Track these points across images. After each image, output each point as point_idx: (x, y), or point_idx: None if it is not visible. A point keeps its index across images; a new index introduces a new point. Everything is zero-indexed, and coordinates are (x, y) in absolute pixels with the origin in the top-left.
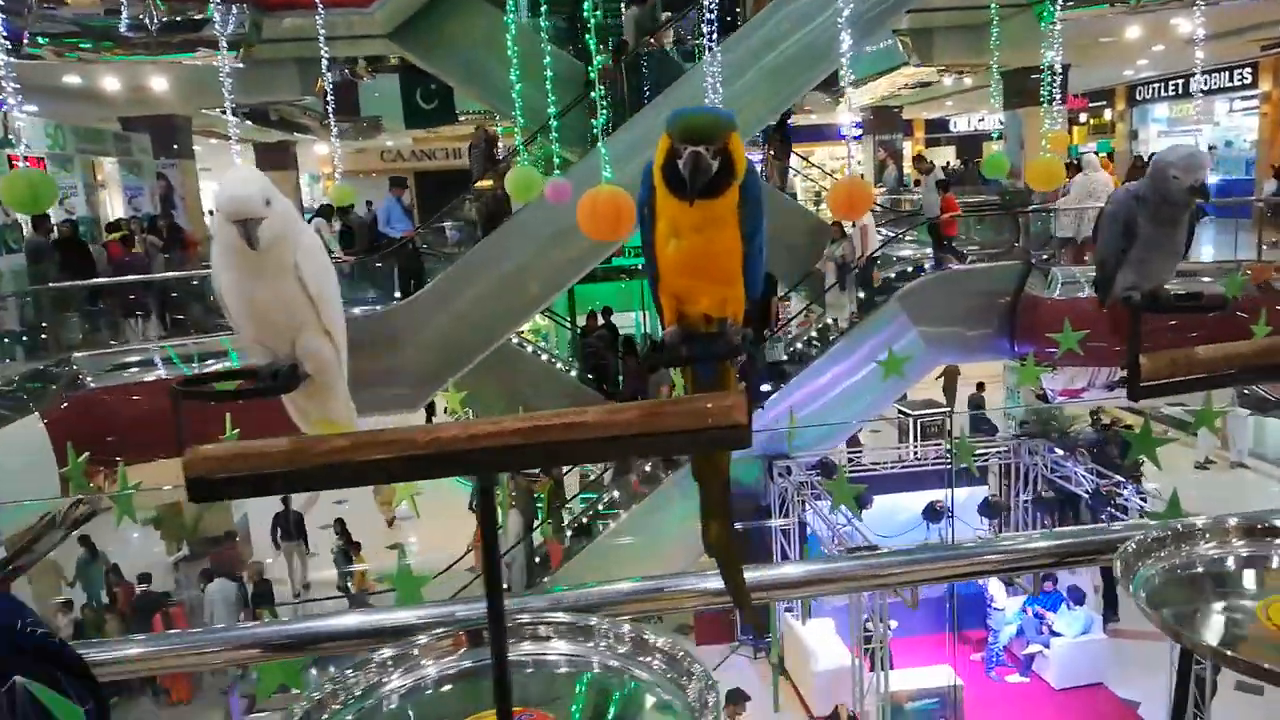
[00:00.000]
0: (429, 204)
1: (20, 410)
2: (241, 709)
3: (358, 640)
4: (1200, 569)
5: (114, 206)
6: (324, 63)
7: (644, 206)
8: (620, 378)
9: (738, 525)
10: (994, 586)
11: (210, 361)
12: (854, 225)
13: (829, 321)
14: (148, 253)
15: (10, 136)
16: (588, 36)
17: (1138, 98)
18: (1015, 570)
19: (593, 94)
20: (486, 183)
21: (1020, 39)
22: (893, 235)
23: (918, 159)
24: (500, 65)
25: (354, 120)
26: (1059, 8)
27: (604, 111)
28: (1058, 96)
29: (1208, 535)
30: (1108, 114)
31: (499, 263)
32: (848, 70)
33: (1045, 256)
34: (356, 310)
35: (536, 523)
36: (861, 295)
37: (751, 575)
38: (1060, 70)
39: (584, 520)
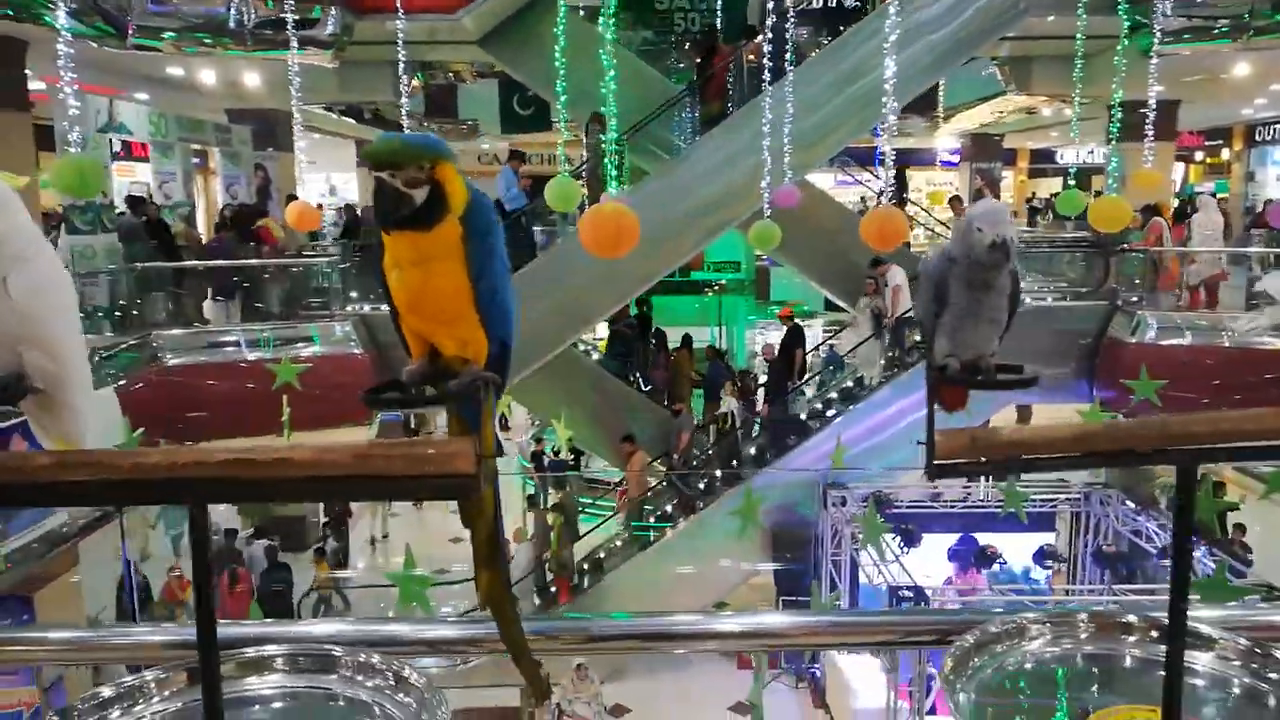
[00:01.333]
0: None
1: (99, 382)
2: None
3: None
4: (1038, 671)
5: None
6: (400, 66)
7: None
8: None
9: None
10: None
11: (295, 345)
12: (885, 284)
13: (859, 377)
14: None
15: (117, 123)
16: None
17: (1257, 139)
18: (847, 645)
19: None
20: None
21: (1123, 72)
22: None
23: (953, 200)
24: (586, 75)
25: (452, 123)
26: (1158, 40)
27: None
28: (1149, 133)
29: (1060, 629)
30: (1225, 154)
31: (562, 272)
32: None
33: (1134, 299)
34: None
35: (547, 554)
36: (891, 355)
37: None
38: (1154, 105)
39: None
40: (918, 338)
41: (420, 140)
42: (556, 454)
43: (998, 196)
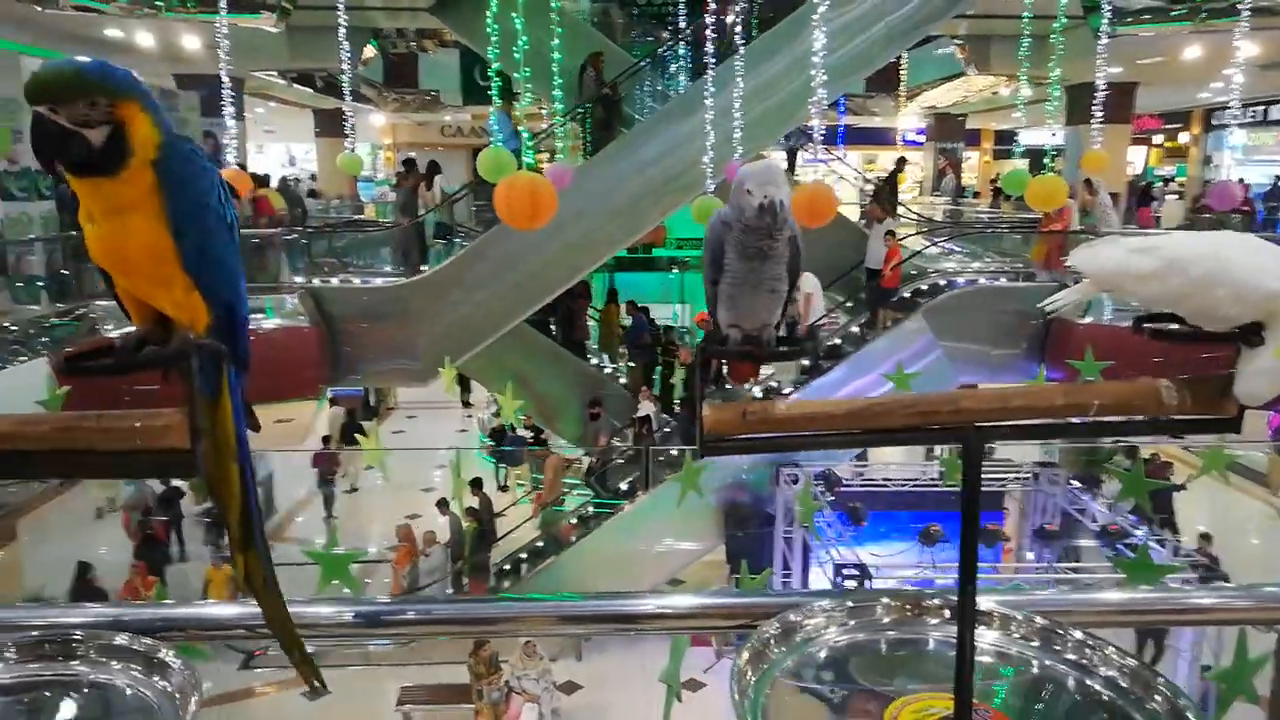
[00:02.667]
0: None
1: (32, 352)
2: None
3: None
4: (840, 658)
5: None
6: (340, 31)
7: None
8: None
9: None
10: None
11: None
12: (799, 291)
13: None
14: None
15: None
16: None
17: (1213, 123)
18: (647, 630)
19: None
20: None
21: (1079, 53)
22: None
23: (876, 194)
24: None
25: (413, 93)
26: (1107, 20)
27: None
28: (1098, 115)
29: (863, 613)
30: (1183, 138)
31: (515, 246)
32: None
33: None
34: (378, 281)
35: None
36: (806, 362)
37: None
38: (1103, 86)
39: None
40: (835, 341)
41: (98, 71)
42: (513, 430)
43: (959, 176)
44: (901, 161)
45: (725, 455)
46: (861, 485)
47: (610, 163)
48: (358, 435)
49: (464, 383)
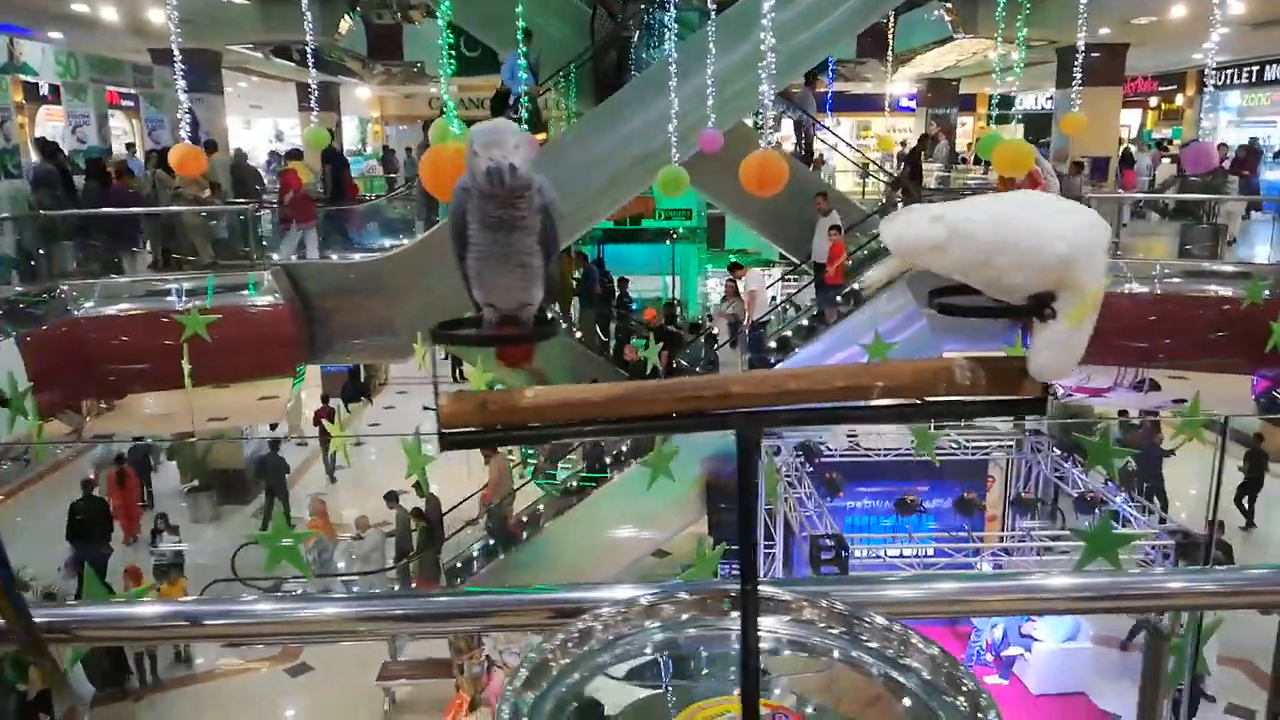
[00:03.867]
0: None
1: (1, 333)
2: None
3: None
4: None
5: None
6: (304, 2)
7: None
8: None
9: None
10: None
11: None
12: (743, 287)
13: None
14: (155, 186)
15: (19, 62)
16: None
17: (1208, 84)
18: (449, 631)
19: None
20: None
21: (1068, 14)
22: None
23: (820, 196)
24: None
25: (398, 64)
26: None
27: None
28: (1078, 77)
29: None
30: (1179, 99)
31: None
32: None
33: None
34: (356, 257)
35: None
36: (750, 358)
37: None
38: (1084, 48)
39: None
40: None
41: None
42: None
43: (952, 142)
44: (924, 139)
45: (466, 448)
46: (842, 455)
47: (590, 130)
48: (325, 422)
49: (457, 358)
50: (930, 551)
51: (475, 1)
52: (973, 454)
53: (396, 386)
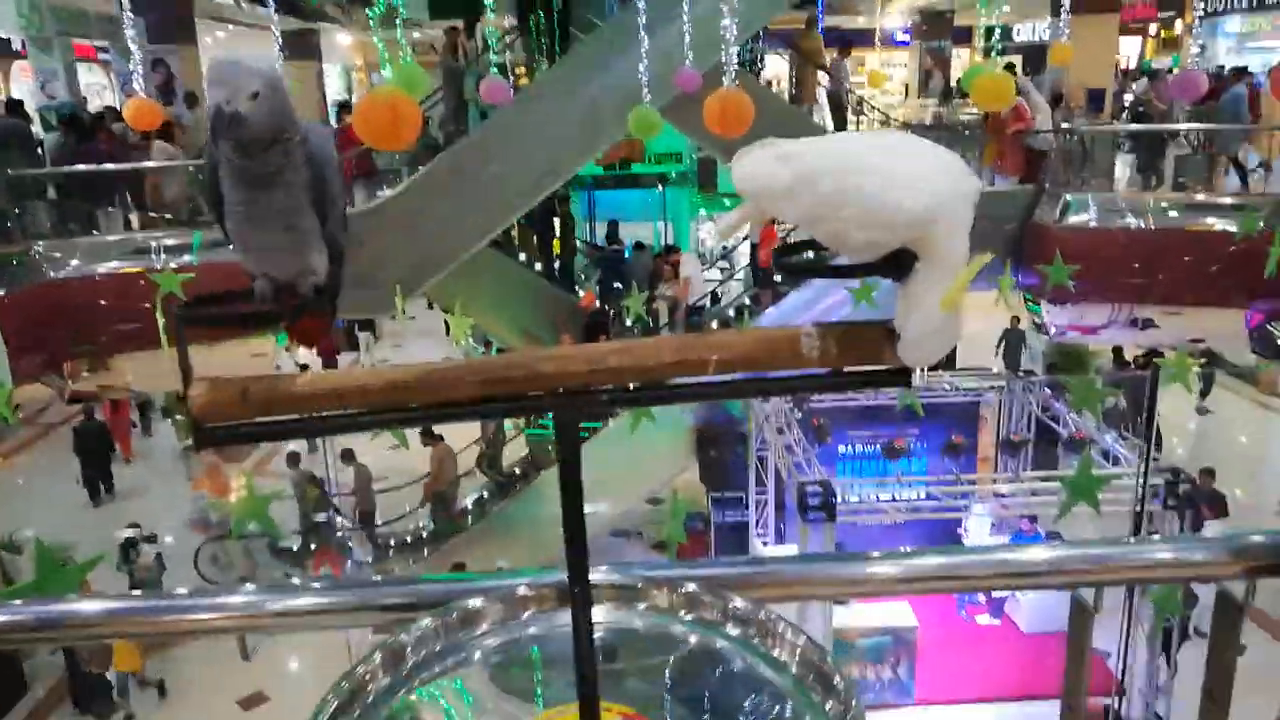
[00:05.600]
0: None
1: None
2: None
3: None
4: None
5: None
6: None
7: None
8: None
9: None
10: (971, 522)
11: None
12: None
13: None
14: (125, 142)
15: None
16: None
17: (1207, 9)
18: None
19: None
20: None
21: None
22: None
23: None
24: None
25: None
26: None
27: None
28: (1065, 2)
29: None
30: (1179, 26)
31: (472, 168)
32: None
33: (1072, 181)
34: None
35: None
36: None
37: None
38: None
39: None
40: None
41: None
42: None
43: (947, 77)
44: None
45: (225, 445)
46: (830, 401)
47: (565, 75)
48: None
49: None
50: (922, 495)
51: None
52: (964, 396)
53: (392, 340)
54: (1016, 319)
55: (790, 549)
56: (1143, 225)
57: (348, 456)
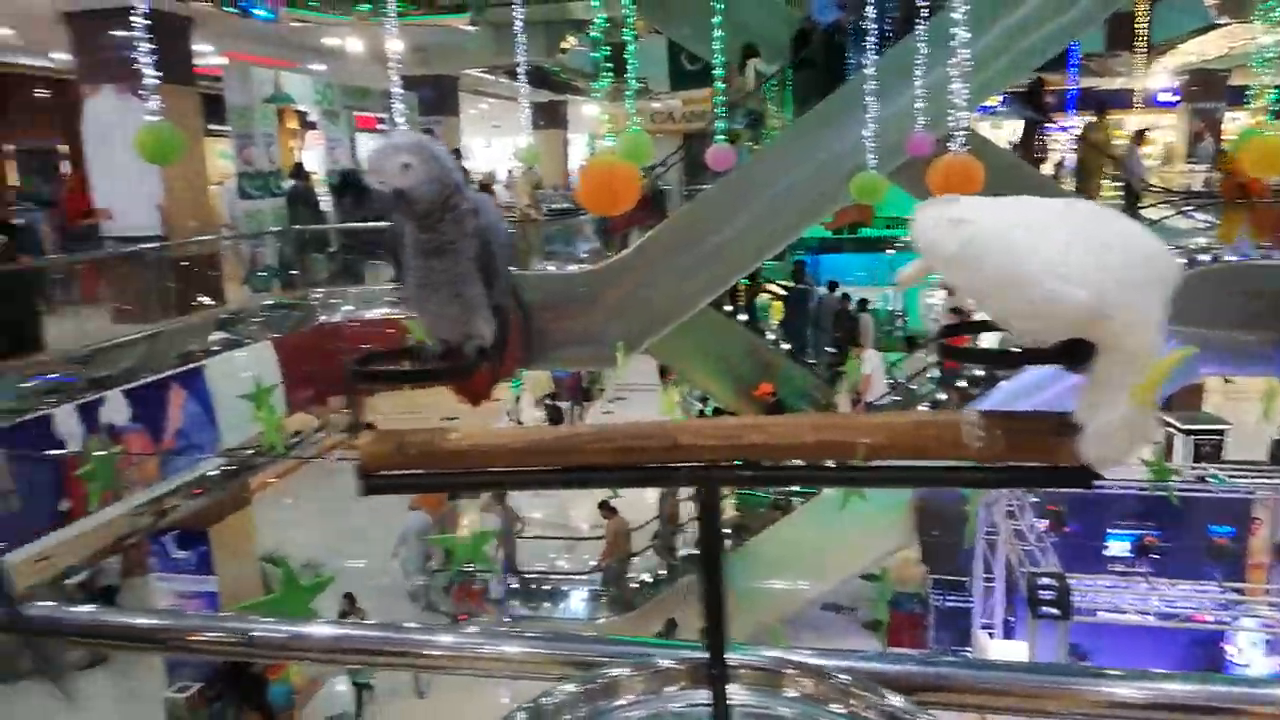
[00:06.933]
0: (699, 164)
1: (261, 335)
2: None
3: None
4: None
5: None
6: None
7: None
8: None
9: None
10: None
11: None
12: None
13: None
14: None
15: (281, 93)
16: None
17: None
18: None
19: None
20: None
21: None
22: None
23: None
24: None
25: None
26: None
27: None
28: None
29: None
30: None
31: (701, 229)
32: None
33: None
34: (571, 267)
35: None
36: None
37: None
38: None
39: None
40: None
41: None
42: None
43: (1219, 140)
44: (1140, 135)
45: (388, 494)
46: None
47: (795, 141)
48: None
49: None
50: (1175, 602)
51: (690, 18)
52: (1231, 491)
53: (618, 392)
54: None
55: (1021, 646)
56: None
57: (606, 508)
